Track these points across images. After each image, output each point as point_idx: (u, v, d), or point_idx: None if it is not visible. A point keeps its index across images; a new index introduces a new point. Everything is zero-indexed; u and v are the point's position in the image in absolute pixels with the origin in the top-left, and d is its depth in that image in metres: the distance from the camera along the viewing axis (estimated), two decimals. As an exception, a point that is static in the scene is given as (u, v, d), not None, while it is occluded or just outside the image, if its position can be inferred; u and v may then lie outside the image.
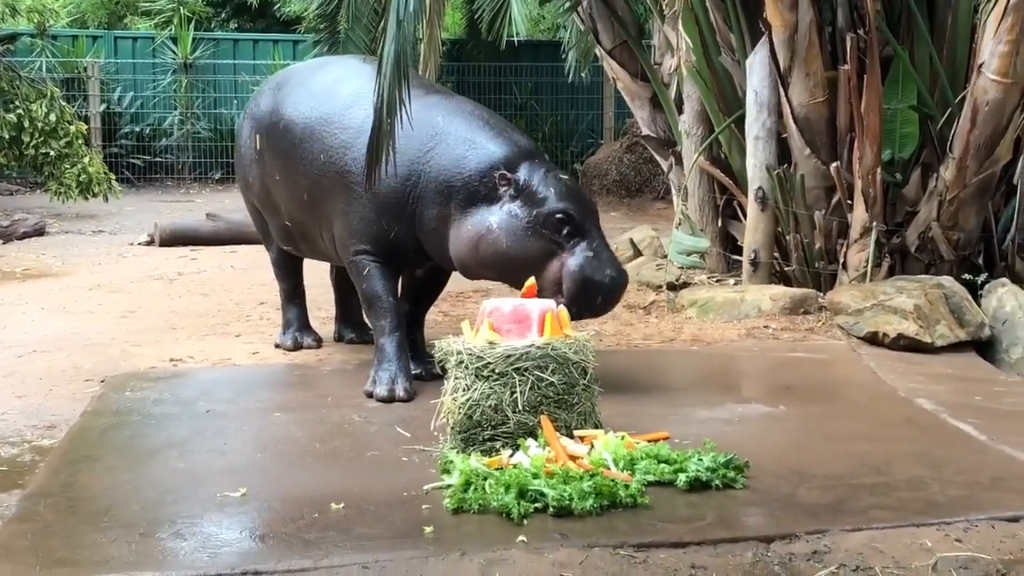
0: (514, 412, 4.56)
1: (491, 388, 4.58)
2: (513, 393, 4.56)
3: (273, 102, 6.42)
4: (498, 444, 4.55)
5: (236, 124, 18.41)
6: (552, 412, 4.59)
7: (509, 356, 4.59)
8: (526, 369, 4.59)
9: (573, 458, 4.39)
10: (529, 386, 4.57)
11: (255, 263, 10.55)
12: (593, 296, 5.50)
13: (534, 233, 5.52)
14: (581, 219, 5.55)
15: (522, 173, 5.61)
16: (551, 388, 4.61)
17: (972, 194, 7.45)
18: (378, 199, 5.78)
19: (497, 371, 4.58)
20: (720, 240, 8.85)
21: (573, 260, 5.49)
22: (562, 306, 5.00)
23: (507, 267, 5.63)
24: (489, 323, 4.77)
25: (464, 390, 4.61)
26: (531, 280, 5.20)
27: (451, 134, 5.74)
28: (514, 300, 4.92)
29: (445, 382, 4.73)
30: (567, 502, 4.01)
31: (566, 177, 5.75)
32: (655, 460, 4.41)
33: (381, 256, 5.90)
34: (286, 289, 7.02)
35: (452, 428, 4.65)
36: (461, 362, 4.65)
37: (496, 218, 5.58)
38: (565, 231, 5.51)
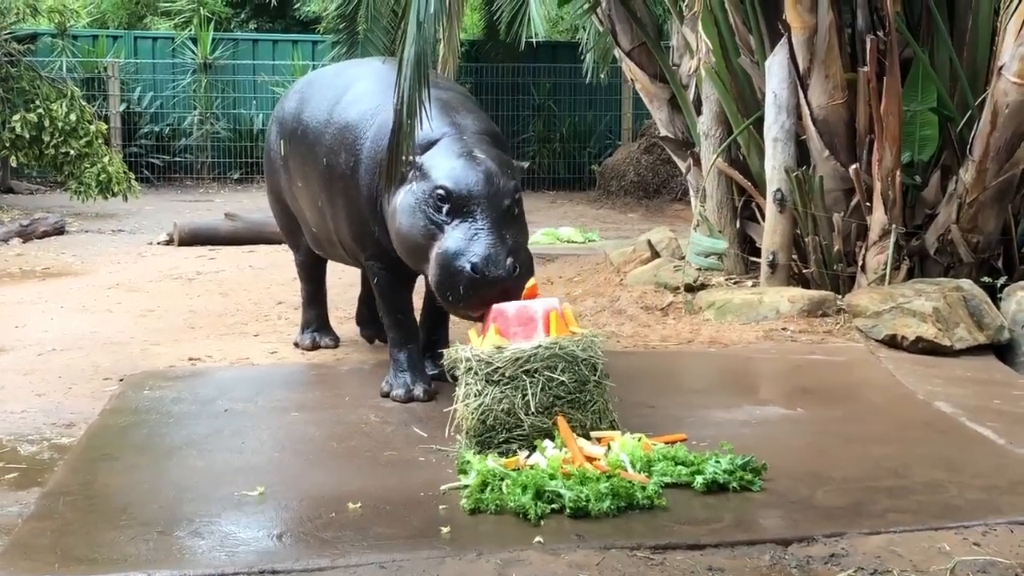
0: (527, 414, 4.55)
1: (502, 392, 4.57)
2: (525, 395, 4.55)
3: (296, 106, 6.42)
4: (514, 446, 4.55)
5: (255, 124, 18.77)
6: (566, 412, 4.59)
7: (518, 359, 4.58)
8: (536, 370, 4.58)
9: (590, 459, 4.39)
10: (540, 387, 4.56)
11: (273, 263, 10.59)
12: (453, 285, 4.96)
13: (419, 211, 5.18)
14: (464, 197, 5.08)
15: (432, 150, 5.30)
16: (562, 387, 4.60)
17: (992, 197, 7.42)
18: (362, 200, 5.71)
19: (507, 375, 4.57)
20: (738, 242, 8.82)
21: (440, 241, 5.08)
22: (567, 304, 4.95)
23: (406, 248, 5.33)
24: (495, 328, 4.76)
25: (475, 396, 4.60)
26: (532, 280, 5.07)
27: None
28: (518, 303, 4.87)
29: (456, 389, 4.73)
30: (584, 503, 4.01)
31: (481, 155, 5.27)
32: (672, 462, 4.41)
33: (385, 262, 5.83)
34: (309, 291, 7.04)
35: (467, 433, 4.66)
36: (470, 368, 4.64)
37: (400, 197, 5.31)
38: (444, 209, 5.10)
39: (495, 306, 4.87)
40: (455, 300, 5.00)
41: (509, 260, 4.99)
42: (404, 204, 5.27)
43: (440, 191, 5.12)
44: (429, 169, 5.25)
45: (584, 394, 4.66)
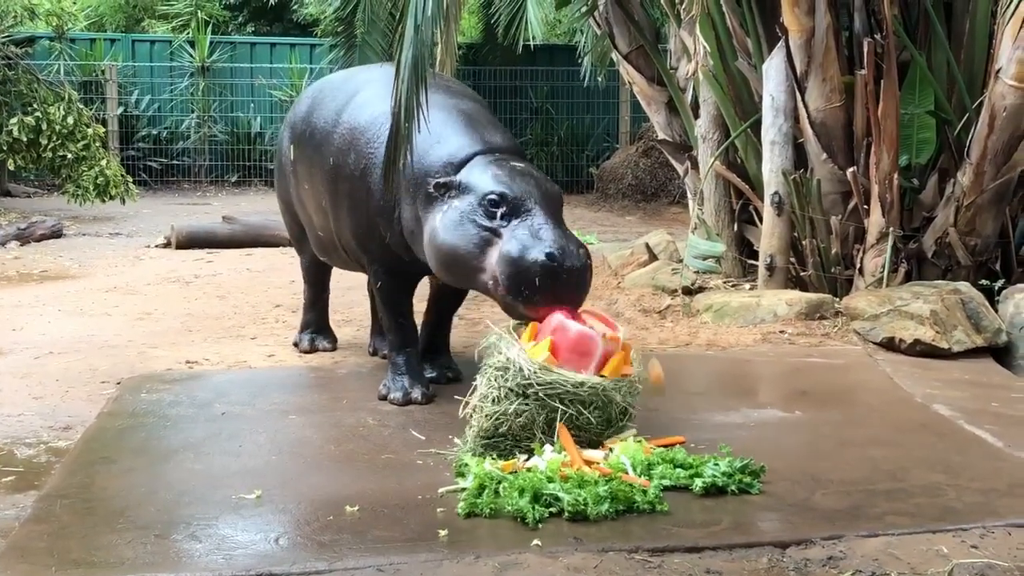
0: (542, 432, 4.54)
1: (527, 407, 4.52)
2: (549, 416, 4.51)
3: (307, 110, 6.41)
4: (517, 451, 4.54)
5: (253, 128, 18.78)
6: (579, 435, 4.56)
7: (557, 387, 4.51)
8: (570, 402, 4.53)
9: (589, 463, 4.39)
10: (566, 416, 4.52)
11: (271, 266, 10.58)
12: (528, 279, 4.80)
13: (468, 222, 5.08)
14: (519, 198, 5.03)
15: (466, 169, 5.27)
16: (586, 421, 4.58)
17: (989, 199, 7.42)
18: (372, 204, 5.69)
19: (540, 395, 4.51)
20: (736, 245, 8.82)
21: (504, 243, 4.95)
22: (628, 340, 4.83)
23: (453, 266, 5.21)
24: (550, 342, 4.64)
25: (496, 400, 4.55)
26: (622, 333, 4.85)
27: (424, 129, 5.33)
28: (583, 327, 4.70)
29: (478, 377, 4.67)
30: (582, 507, 4.00)
31: (520, 164, 5.31)
32: (671, 465, 4.40)
33: (388, 267, 5.82)
34: (311, 294, 7.05)
35: (475, 432, 4.63)
36: (505, 368, 4.56)
37: (440, 216, 5.20)
38: (499, 213, 5.03)
39: (559, 317, 4.72)
40: (530, 295, 4.81)
41: (581, 250, 4.95)
42: (447, 221, 5.16)
43: (492, 196, 5.05)
44: (472, 182, 5.18)
45: (604, 430, 4.65)
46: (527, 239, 4.90)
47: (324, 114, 6.17)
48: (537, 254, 4.83)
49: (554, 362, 4.58)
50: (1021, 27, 6.99)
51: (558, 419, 4.51)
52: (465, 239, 5.09)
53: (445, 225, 5.17)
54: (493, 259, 4.97)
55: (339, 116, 6.01)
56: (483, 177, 5.18)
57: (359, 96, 6.02)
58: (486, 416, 4.57)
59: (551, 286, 4.80)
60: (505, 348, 4.63)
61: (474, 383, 4.70)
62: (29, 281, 9.94)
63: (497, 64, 18.81)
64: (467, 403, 4.67)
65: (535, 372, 4.51)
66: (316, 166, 6.11)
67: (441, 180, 5.23)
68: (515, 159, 5.42)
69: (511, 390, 4.54)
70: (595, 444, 4.61)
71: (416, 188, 5.40)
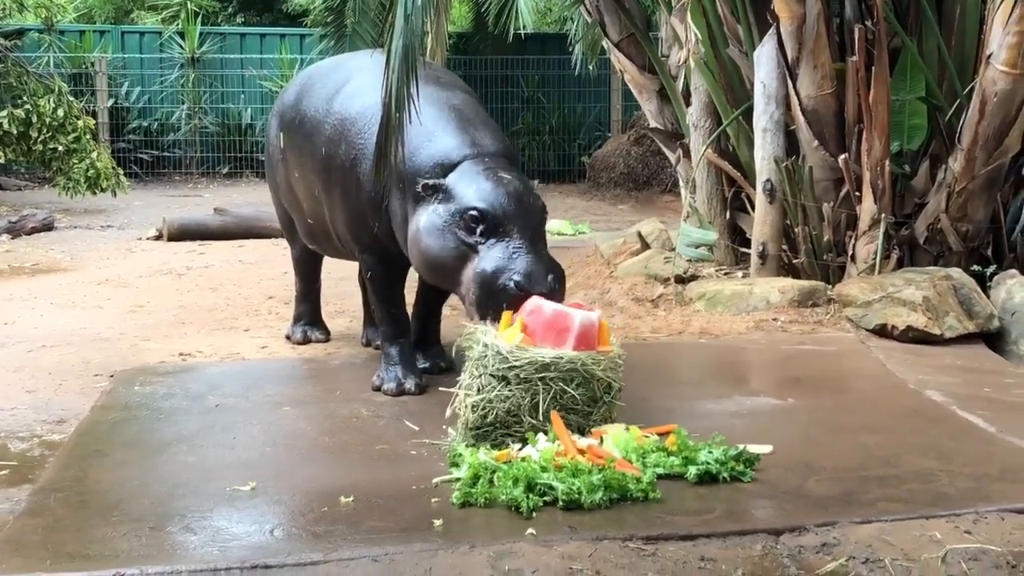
0: (530, 416, 4.54)
1: (510, 392, 4.53)
2: (534, 399, 4.52)
3: (296, 98, 6.40)
4: (509, 440, 4.54)
5: (243, 119, 18.75)
6: (568, 418, 4.57)
7: (535, 363, 4.53)
8: (551, 379, 4.54)
9: (582, 452, 4.39)
10: (551, 395, 4.53)
11: (263, 257, 10.58)
12: (495, 304, 4.92)
13: (449, 232, 5.16)
14: (500, 218, 5.09)
15: (455, 173, 5.30)
16: (572, 400, 4.58)
17: (981, 185, 7.43)
18: (362, 194, 5.69)
19: (521, 376, 4.52)
20: (728, 233, 8.83)
21: (478, 260, 5.07)
22: (603, 317, 4.86)
23: (432, 270, 5.34)
24: (522, 321, 4.68)
25: (480, 389, 4.56)
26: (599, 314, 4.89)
27: (416, 124, 5.39)
28: (557, 306, 4.74)
29: (462, 372, 4.70)
30: (576, 495, 4.01)
31: (508, 176, 5.29)
32: (664, 453, 4.42)
33: (379, 256, 5.83)
34: (302, 285, 7.03)
35: (463, 424, 4.63)
36: (484, 356, 4.58)
37: (424, 218, 5.27)
38: (479, 230, 5.10)
39: (534, 300, 4.77)
40: (496, 319, 4.89)
41: (550, 277, 5.04)
42: (429, 225, 5.23)
43: (473, 212, 5.10)
44: (456, 191, 5.21)
45: (592, 409, 4.65)
46: (500, 262, 5.01)
47: (314, 103, 6.16)
48: (506, 280, 4.95)
49: (530, 342, 4.61)
50: (1011, 12, 6.99)
51: (541, 401, 4.51)
52: (445, 249, 5.18)
53: (427, 230, 5.23)
54: (469, 274, 5.08)
55: (330, 105, 5.99)
56: (468, 189, 5.20)
57: (349, 85, 6.01)
58: (471, 408, 4.57)
59: (518, 311, 4.86)
60: (482, 336, 4.66)
61: (458, 379, 4.71)
62: (21, 274, 9.93)
63: (488, 53, 18.80)
64: (455, 396, 4.68)
65: (512, 352, 4.54)
66: (306, 155, 6.11)
67: (429, 182, 5.25)
68: (504, 166, 5.42)
69: (492, 375, 4.55)
70: (584, 427, 4.62)
71: (405, 184, 5.42)
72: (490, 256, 5.04)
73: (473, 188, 5.20)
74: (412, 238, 5.34)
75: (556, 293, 5.01)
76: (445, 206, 5.21)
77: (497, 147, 5.55)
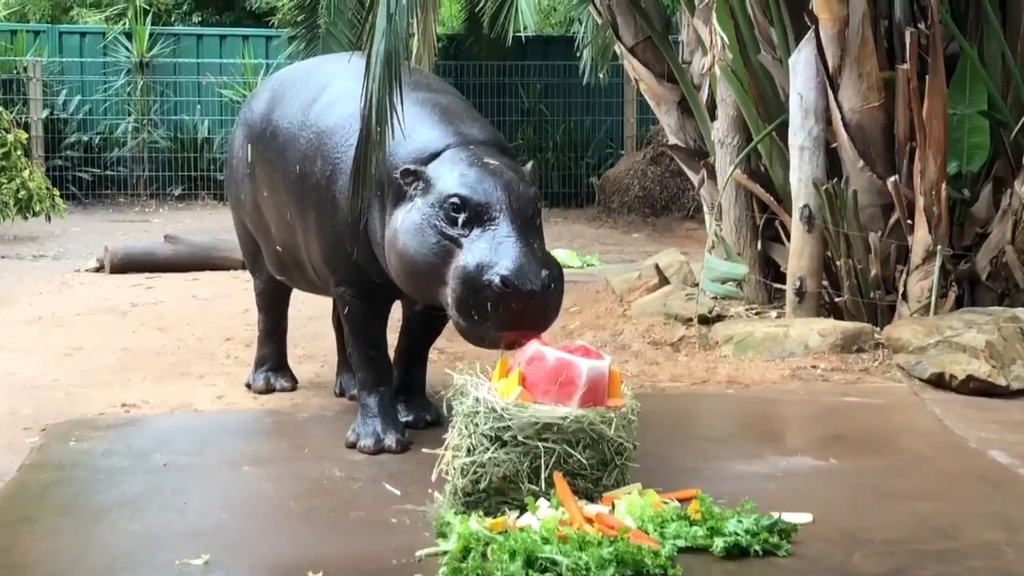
0: (530, 482, 4.51)
1: (507, 455, 4.49)
2: (534, 462, 4.48)
3: (267, 106, 6.42)
4: (505, 507, 4.52)
5: (199, 132, 18.80)
6: (574, 483, 4.54)
7: (536, 424, 4.48)
8: (554, 441, 4.50)
9: (590, 520, 4.38)
10: (554, 459, 4.49)
11: (221, 292, 10.58)
12: (479, 303, 4.83)
13: (429, 227, 5.12)
14: (484, 205, 5.04)
15: (436, 162, 5.30)
16: (578, 464, 4.54)
17: (1052, 213, 7.46)
18: (336, 215, 5.69)
19: (519, 438, 4.49)
20: (760, 266, 8.85)
21: (462, 253, 4.99)
22: (615, 367, 4.82)
23: (412, 276, 5.26)
24: (520, 373, 4.64)
25: (470, 450, 4.53)
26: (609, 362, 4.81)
27: (395, 125, 5.37)
28: (561, 353, 4.69)
29: (450, 428, 4.69)
30: (583, 571, 3.99)
31: (494, 161, 5.29)
32: (687, 522, 4.40)
33: (358, 288, 5.82)
34: (267, 323, 7.02)
35: (452, 490, 4.61)
36: (475, 412, 4.55)
37: (403, 216, 5.25)
38: (461, 219, 5.06)
39: (534, 346, 4.72)
40: (480, 322, 4.85)
41: (544, 272, 4.92)
42: (407, 224, 5.21)
43: (454, 200, 5.08)
44: (436, 180, 5.21)
45: (601, 474, 4.62)
46: (484, 255, 4.92)
47: (288, 112, 6.18)
48: (491, 275, 4.84)
49: (530, 398, 4.57)
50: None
51: (543, 465, 4.48)
52: (424, 246, 5.14)
53: (406, 227, 5.22)
54: (449, 272, 5.01)
55: (306, 116, 6.02)
56: (449, 175, 5.20)
57: (328, 92, 6.04)
58: (461, 471, 4.53)
59: (505, 313, 4.82)
60: (472, 389, 4.62)
61: (444, 436, 4.69)
62: (-61, 311, 9.92)
63: (483, 58, 18.87)
64: (441, 458, 4.66)
65: (508, 409, 4.49)
66: (278, 172, 6.13)
67: (410, 167, 5.25)
68: (492, 152, 5.43)
69: (484, 435, 4.51)
70: (593, 493, 4.59)
71: (383, 190, 5.44)
72: (474, 249, 4.96)
73: (455, 174, 5.19)
74: (389, 241, 5.34)
75: (551, 293, 4.95)
76: (424, 198, 5.20)
77: (486, 136, 5.58)
